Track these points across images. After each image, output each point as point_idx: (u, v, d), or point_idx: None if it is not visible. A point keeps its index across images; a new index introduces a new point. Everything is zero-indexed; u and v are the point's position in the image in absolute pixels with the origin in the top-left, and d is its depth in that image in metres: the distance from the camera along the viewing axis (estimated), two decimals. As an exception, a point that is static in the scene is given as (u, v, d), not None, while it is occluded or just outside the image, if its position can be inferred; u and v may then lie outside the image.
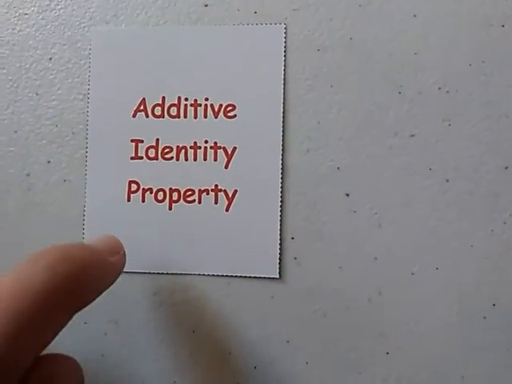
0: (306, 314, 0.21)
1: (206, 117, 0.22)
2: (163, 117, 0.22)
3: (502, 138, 0.20)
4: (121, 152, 0.22)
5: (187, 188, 0.22)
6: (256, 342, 0.21)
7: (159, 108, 0.22)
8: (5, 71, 0.23)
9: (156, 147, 0.22)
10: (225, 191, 0.22)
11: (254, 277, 0.21)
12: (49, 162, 0.23)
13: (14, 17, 0.23)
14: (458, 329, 0.20)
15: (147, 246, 0.22)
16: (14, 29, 0.23)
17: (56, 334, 0.15)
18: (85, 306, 0.16)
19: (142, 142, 0.22)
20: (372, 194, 0.21)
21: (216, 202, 0.22)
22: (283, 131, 0.21)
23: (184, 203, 0.22)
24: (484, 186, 0.20)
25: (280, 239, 0.21)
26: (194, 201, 0.22)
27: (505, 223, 0.20)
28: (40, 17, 0.23)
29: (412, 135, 0.21)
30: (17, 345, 0.13)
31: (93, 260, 0.16)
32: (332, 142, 0.21)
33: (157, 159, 0.22)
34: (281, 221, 0.21)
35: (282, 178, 0.21)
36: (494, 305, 0.20)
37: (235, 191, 0.22)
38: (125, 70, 0.22)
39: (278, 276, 0.21)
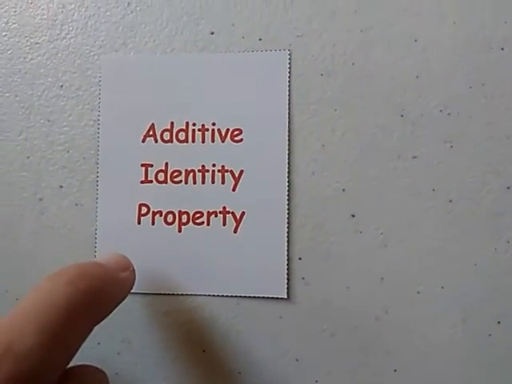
0: (315, 333, 0.22)
1: (213, 141, 0.22)
2: (172, 141, 0.23)
3: (504, 158, 0.21)
4: (131, 176, 0.23)
5: (196, 211, 0.22)
6: (266, 361, 0.22)
7: (168, 133, 0.23)
8: (17, 99, 0.24)
9: (165, 171, 0.23)
10: (233, 213, 0.22)
11: (263, 297, 0.22)
12: (61, 186, 0.23)
13: (26, 46, 0.24)
14: (463, 346, 0.21)
15: (158, 267, 0.22)
16: (25, 57, 0.24)
17: (79, 346, 0.16)
18: (102, 320, 0.17)
19: (152, 166, 0.23)
20: (377, 214, 0.21)
21: (224, 224, 0.22)
22: (289, 154, 0.22)
23: (193, 225, 0.22)
24: (487, 206, 0.21)
25: (287, 259, 0.22)
26: (203, 223, 0.22)
27: (508, 242, 0.21)
28: (51, 46, 0.24)
29: (415, 157, 0.21)
30: (44, 359, 0.14)
31: (107, 276, 0.18)
32: (337, 165, 0.22)
33: (166, 183, 0.23)
34: (288, 241, 0.22)
35: (288, 200, 0.22)
36: (498, 322, 0.21)
37: (243, 213, 0.22)
38: (134, 97, 0.23)
39: (286, 296, 0.22)
